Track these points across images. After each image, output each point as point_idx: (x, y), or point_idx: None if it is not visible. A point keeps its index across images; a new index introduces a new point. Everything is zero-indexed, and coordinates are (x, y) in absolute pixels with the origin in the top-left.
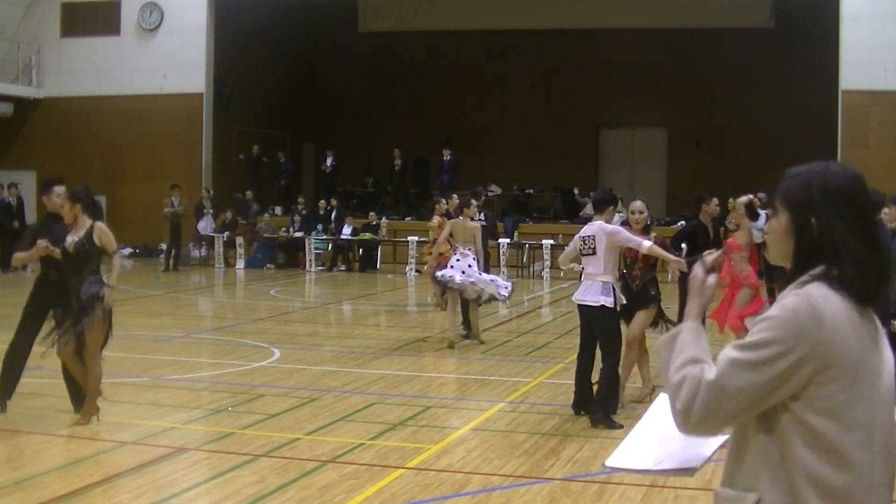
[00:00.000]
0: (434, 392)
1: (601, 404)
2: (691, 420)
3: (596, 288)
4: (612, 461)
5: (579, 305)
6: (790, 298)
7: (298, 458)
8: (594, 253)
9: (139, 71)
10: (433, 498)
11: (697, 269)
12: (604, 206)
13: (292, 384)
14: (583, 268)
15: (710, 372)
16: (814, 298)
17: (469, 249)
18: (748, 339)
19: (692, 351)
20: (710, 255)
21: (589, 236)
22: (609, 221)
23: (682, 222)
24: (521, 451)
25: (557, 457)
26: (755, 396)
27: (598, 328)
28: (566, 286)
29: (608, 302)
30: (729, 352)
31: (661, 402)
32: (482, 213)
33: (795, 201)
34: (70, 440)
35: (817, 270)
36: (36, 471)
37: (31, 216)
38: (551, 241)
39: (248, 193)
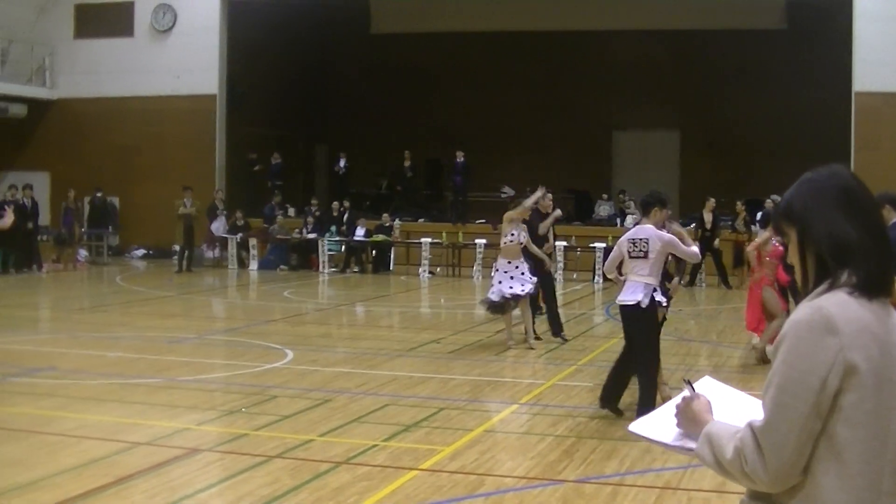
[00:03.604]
0: (447, 394)
1: (641, 407)
2: (769, 473)
3: (637, 288)
4: (635, 426)
5: (621, 306)
6: (801, 312)
7: (312, 459)
8: (645, 256)
9: (152, 72)
10: (446, 500)
11: (686, 399)
12: (649, 207)
13: (305, 385)
14: (623, 276)
15: (756, 421)
16: (826, 308)
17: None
18: (774, 366)
19: (729, 429)
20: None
21: (641, 239)
22: (658, 224)
23: (692, 224)
24: (534, 453)
25: (571, 458)
26: (808, 420)
27: (633, 327)
28: (579, 287)
29: (645, 301)
30: (764, 392)
31: (701, 384)
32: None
33: (794, 213)
34: (83, 441)
35: (829, 280)
36: (50, 471)
37: (44, 217)
38: (564, 243)
39: (277, 197)
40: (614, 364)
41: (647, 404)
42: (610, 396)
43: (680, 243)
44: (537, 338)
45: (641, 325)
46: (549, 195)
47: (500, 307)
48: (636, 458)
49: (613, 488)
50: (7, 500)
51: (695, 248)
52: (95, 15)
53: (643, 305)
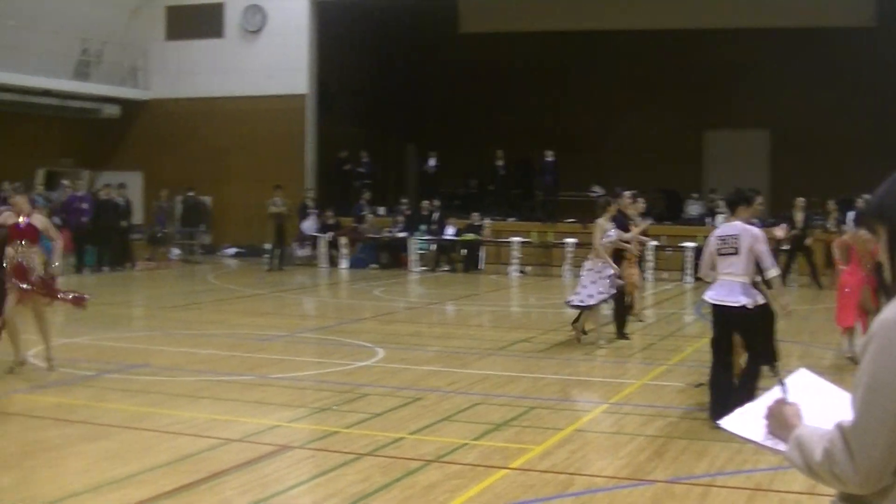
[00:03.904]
0: (537, 393)
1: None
2: (859, 475)
3: (735, 288)
4: (725, 422)
5: (717, 305)
6: (890, 311)
7: (402, 457)
8: (736, 253)
9: (243, 73)
10: (536, 499)
11: (778, 401)
12: (735, 206)
13: (396, 384)
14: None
15: (846, 422)
16: None
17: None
18: (862, 366)
19: (818, 431)
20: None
21: (731, 235)
22: (747, 221)
23: (784, 224)
24: (624, 453)
25: (661, 459)
26: None
27: (743, 329)
28: (669, 287)
29: (749, 303)
30: (853, 392)
31: (795, 378)
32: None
33: (885, 211)
34: (177, 437)
35: None
36: (144, 466)
37: (138, 216)
38: (655, 242)
39: (366, 195)
40: (714, 374)
41: (748, 399)
42: (724, 405)
43: (767, 247)
44: (626, 337)
45: (754, 325)
46: (628, 194)
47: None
48: (727, 459)
49: (704, 489)
50: (102, 493)
51: (770, 263)
52: (186, 16)
53: (749, 307)
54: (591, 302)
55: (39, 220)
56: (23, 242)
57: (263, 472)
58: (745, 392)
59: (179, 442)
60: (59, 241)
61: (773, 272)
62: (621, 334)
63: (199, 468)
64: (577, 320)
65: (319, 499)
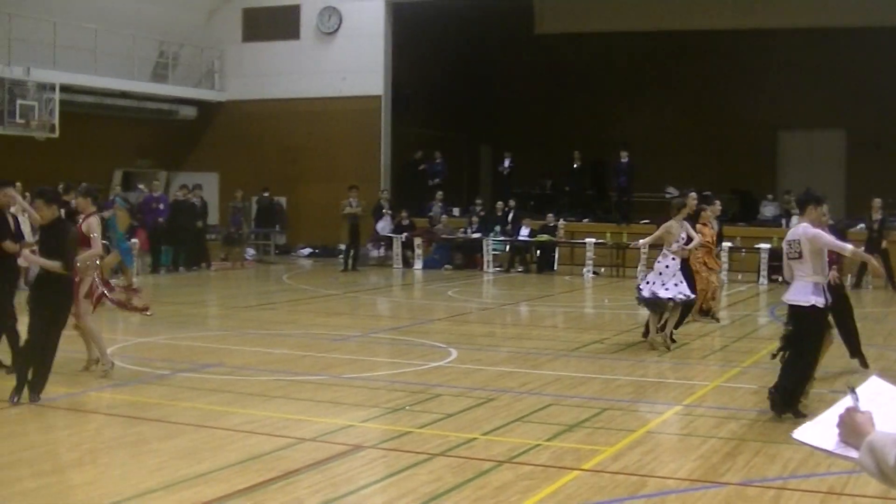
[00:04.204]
0: (610, 394)
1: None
2: None
3: (807, 288)
4: (798, 433)
5: (791, 306)
6: None
7: (474, 457)
8: (800, 257)
9: (318, 74)
10: (608, 500)
11: (849, 409)
12: (805, 205)
13: (469, 384)
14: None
15: None
16: None
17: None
18: None
19: (891, 436)
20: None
21: (794, 240)
22: (814, 222)
23: (862, 225)
24: (696, 455)
25: (733, 461)
26: None
27: (805, 327)
28: (744, 289)
29: (819, 302)
30: None
31: (867, 386)
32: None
33: None
34: (250, 436)
35: None
36: (217, 465)
37: (213, 217)
38: (729, 244)
39: (440, 195)
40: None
41: (794, 398)
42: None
43: (827, 235)
44: (673, 340)
45: (816, 325)
46: (692, 195)
47: (659, 305)
48: (800, 462)
49: (776, 492)
50: (176, 491)
51: (841, 243)
52: (263, 18)
53: (819, 306)
54: (661, 294)
55: (87, 224)
56: None
57: (336, 471)
58: (788, 385)
59: (252, 441)
60: (94, 249)
61: (847, 248)
62: (670, 337)
63: (272, 467)
64: (663, 328)
65: (391, 499)
